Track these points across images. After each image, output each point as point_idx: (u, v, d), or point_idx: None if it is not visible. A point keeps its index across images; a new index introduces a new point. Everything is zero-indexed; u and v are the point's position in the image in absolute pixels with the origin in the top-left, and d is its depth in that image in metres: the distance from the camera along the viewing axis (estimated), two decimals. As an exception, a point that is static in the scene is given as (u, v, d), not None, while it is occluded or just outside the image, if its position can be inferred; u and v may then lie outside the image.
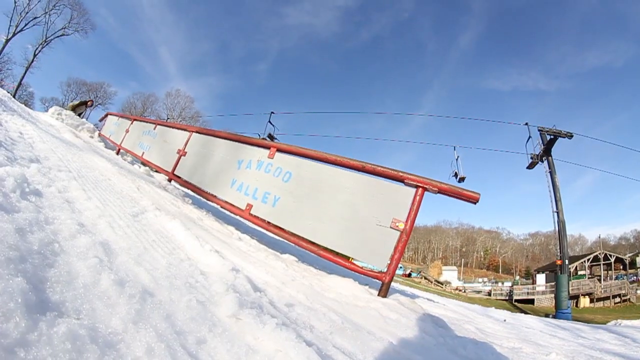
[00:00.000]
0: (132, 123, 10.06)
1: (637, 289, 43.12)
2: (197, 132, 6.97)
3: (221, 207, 5.44)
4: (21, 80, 46.98)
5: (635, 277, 49.28)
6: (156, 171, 7.42)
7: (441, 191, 4.02)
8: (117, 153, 9.21)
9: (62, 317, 1.07)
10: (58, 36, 49.38)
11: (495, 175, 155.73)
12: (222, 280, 1.93)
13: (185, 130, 7.33)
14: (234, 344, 1.36)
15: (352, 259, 4.36)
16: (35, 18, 46.14)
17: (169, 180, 6.76)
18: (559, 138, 28.45)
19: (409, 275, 51.06)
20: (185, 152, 6.84)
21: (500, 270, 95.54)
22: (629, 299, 41.68)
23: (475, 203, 4.07)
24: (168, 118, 56.07)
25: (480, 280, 66.74)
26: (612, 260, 50.55)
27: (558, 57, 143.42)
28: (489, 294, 47.23)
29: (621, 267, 51.89)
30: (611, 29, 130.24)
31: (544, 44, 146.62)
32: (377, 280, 3.91)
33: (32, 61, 47.14)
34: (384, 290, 3.78)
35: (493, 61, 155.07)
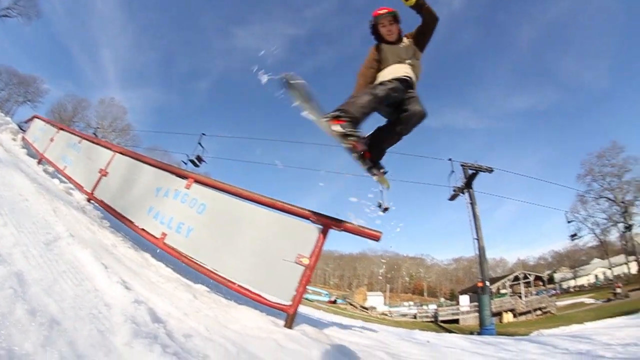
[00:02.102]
0: (57, 132, 9.39)
1: (556, 302, 46.73)
2: (120, 152, 6.80)
3: (138, 233, 5.43)
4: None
5: (554, 291, 56.06)
6: (77, 188, 7.06)
7: (346, 230, 4.33)
8: (39, 163, 8.63)
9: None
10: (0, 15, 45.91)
11: (419, 205, 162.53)
12: (122, 312, 2.13)
13: (109, 149, 7.11)
14: None
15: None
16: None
17: (89, 200, 6.50)
18: (480, 172, 30.65)
19: (335, 302, 51.30)
20: (107, 173, 6.63)
21: (425, 294, 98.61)
22: (550, 310, 44.84)
23: (377, 240, 4.38)
24: (98, 127, 52.88)
25: (406, 304, 67.76)
26: (532, 278, 55.26)
27: (488, 99, 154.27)
28: (415, 316, 48.13)
29: (541, 284, 57.36)
30: (538, 76, 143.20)
31: (477, 86, 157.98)
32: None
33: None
34: (289, 322, 3.98)
35: (429, 99, 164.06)
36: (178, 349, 2.08)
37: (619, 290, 45.37)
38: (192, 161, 31.97)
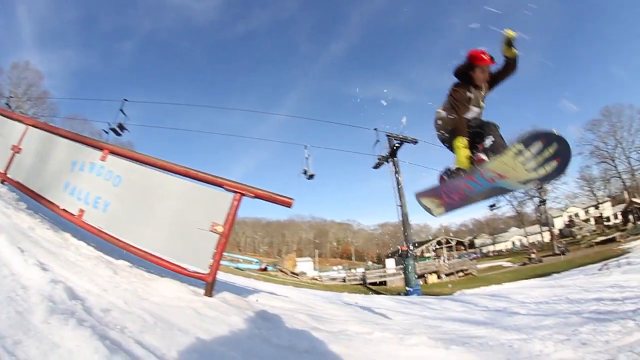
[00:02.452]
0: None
1: (476, 264, 52.38)
2: (33, 125, 6.32)
3: (57, 213, 5.28)
4: None
5: (475, 255, 63.06)
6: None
7: (257, 196, 4.56)
8: None
9: None
10: None
11: (345, 172, 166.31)
12: (39, 292, 2.25)
13: (21, 122, 6.53)
14: (42, 343, 1.74)
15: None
16: None
17: (2, 182, 6.02)
18: (405, 143, 31.84)
19: (265, 269, 51.84)
20: (20, 149, 6.11)
21: (353, 258, 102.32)
22: (471, 272, 49.53)
23: (289, 207, 4.70)
24: (11, 97, 47.87)
25: (335, 268, 70.63)
26: (454, 243, 61.26)
27: (420, 75, 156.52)
28: (344, 280, 49.87)
29: (463, 248, 65.14)
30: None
31: (410, 62, 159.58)
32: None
33: None
34: (209, 290, 4.18)
35: (359, 70, 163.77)
36: (95, 323, 2.22)
37: (533, 256, 51.54)
38: (113, 130, 30.42)
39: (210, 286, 4.23)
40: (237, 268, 42.68)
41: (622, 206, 65.55)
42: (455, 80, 4.49)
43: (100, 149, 5.29)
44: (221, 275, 4.68)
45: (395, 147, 31.33)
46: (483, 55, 4.28)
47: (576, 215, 72.56)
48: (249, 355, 2.75)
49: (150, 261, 4.52)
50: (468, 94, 4.36)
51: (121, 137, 30.61)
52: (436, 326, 6.33)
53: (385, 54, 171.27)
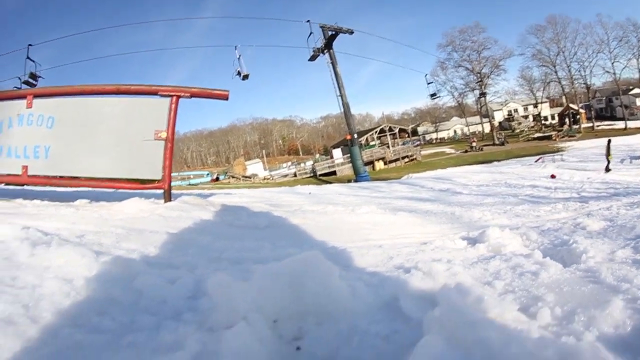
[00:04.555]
0: None
1: (421, 151, 55.16)
2: None
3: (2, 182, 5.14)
4: None
5: (418, 142, 65.92)
6: None
7: (194, 95, 4.69)
8: None
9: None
10: None
11: (282, 69, 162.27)
12: (15, 238, 2.38)
13: None
14: (35, 269, 1.89)
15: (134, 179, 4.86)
16: None
17: None
18: (340, 34, 31.41)
19: (217, 179, 51.50)
20: None
21: (300, 153, 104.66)
22: (415, 158, 52.29)
23: (226, 99, 4.81)
24: None
25: (284, 165, 71.96)
26: (397, 130, 63.31)
27: None
28: (295, 175, 50.93)
29: (406, 136, 67.45)
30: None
31: None
32: (160, 190, 4.50)
33: None
34: (167, 197, 4.43)
35: None
36: (75, 244, 2.44)
37: (474, 144, 54.93)
38: (26, 82, 28.46)
39: (167, 193, 4.46)
40: (190, 184, 42.64)
41: (559, 109, 71.84)
42: None
43: (23, 97, 4.98)
44: (175, 194, 4.90)
45: (329, 38, 31.00)
46: None
47: (515, 111, 78.64)
48: (217, 237, 3.10)
49: (106, 187, 4.75)
50: None
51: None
52: (386, 203, 6.90)
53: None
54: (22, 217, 3.41)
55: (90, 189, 5.45)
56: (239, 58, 30.56)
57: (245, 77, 30.85)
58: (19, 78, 28.51)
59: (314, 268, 1.41)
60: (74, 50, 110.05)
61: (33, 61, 29.09)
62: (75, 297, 1.59)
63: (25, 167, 4.77)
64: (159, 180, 4.51)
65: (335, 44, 31.83)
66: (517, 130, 67.93)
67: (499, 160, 33.30)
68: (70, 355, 1.18)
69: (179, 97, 4.59)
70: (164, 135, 4.52)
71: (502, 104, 76.45)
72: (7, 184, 5.30)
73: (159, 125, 4.54)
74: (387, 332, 1.26)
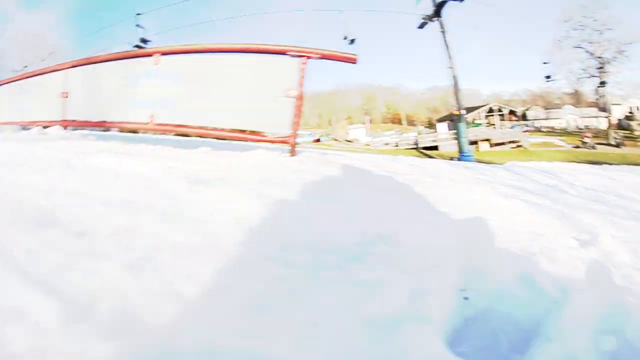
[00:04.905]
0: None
1: (529, 137, 49.69)
2: (73, 66, 6.29)
3: (126, 130, 5.44)
4: None
5: (527, 127, 59.00)
6: (46, 127, 6.27)
7: (323, 57, 4.61)
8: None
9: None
10: None
11: (388, 35, 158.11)
12: (166, 176, 2.52)
13: (57, 70, 6.51)
14: (198, 205, 1.98)
15: (261, 133, 5.02)
16: None
17: (65, 128, 6.04)
18: (450, 1, 29.97)
19: (319, 140, 51.68)
20: (67, 94, 6.18)
21: (404, 123, 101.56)
22: (522, 145, 47.66)
23: (354, 63, 4.67)
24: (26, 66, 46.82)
25: (387, 133, 68.65)
26: (506, 111, 58.30)
27: None
28: (397, 145, 49.40)
29: (515, 119, 61.64)
30: None
31: None
32: (287, 146, 4.50)
33: None
34: (293, 151, 4.45)
35: None
36: (225, 184, 2.54)
37: (587, 140, 48.14)
38: (137, 47, 30.14)
39: (293, 147, 4.49)
40: (293, 143, 43.20)
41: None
42: None
43: (150, 55, 5.37)
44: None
45: (439, 5, 29.59)
46: None
47: (638, 108, 64.95)
48: (346, 193, 2.92)
49: (232, 139, 4.91)
50: None
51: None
52: (492, 187, 6.41)
53: None
54: (160, 159, 3.49)
55: (210, 139, 5.71)
56: (345, 23, 30.60)
57: (352, 41, 30.78)
58: (128, 43, 30.05)
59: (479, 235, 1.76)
60: (180, 17, 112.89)
61: (142, 27, 30.94)
62: (252, 233, 1.65)
63: (152, 117, 5.12)
64: (287, 136, 4.56)
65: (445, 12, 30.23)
66: (637, 132, 56.92)
67: (610, 164, 29.58)
68: (278, 285, 1.25)
69: (309, 57, 4.58)
70: (294, 93, 4.56)
71: (623, 98, 65.63)
72: (135, 131, 5.65)
73: (289, 83, 4.58)
74: (528, 299, 1.59)
